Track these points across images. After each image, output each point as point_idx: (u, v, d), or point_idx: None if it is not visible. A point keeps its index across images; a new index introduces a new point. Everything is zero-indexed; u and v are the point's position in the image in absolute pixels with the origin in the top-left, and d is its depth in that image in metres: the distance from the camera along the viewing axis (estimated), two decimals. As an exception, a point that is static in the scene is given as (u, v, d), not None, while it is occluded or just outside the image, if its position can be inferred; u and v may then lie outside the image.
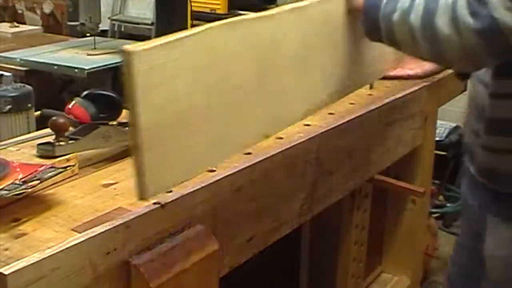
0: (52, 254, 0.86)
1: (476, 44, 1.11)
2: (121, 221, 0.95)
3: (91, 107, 1.33)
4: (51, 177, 1.05)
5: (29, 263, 0.84)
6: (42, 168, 1.07)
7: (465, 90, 1.96)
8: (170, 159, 0.97)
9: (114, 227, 0.94)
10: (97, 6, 2.60)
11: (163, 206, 1.01)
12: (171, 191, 1.06)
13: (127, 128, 1.18)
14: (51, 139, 1.24)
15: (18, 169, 1.08)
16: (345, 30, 1.38)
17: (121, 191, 1.08)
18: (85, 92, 1.38)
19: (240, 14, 3.99)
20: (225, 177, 1.13)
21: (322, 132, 1.38)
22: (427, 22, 1.16)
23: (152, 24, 4.18)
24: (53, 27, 4.45)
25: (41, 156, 1.21)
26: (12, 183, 1.01)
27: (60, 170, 1.08)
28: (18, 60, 2.52)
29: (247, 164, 1.18)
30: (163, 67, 0.94)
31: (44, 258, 0.85)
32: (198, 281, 1.04)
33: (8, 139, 1.33)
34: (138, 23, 4.50)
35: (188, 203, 1.06)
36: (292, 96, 1.25)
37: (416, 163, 1.93)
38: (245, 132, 1.13)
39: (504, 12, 1.07)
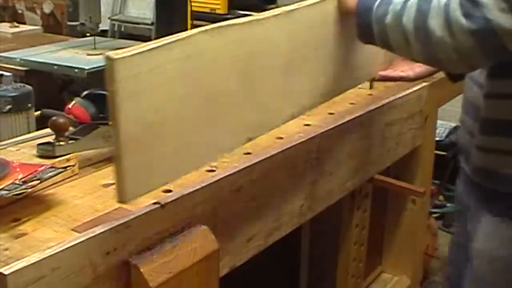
0: (52, 254, 0.86)
1: (469, 46, 1.11)
2: (121, 221, 0.95)
3: (91, 107, 1.33)
4: (51, 177, 1.05)
5: (29, 263, 0.84)
6: (42, 168, 1.07)
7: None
8: (151, 164, 0.98)
9: (114, 227, 0.94)
10: (97, 6, 2.60)
11: (163, 206, 1.01)
12: (171, 191, 1.06)
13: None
14: (51, 139, 1.24)
15: (18, 169, 1.08)
16: (334, 34, 1.38)
17: (121, 191, 1.08)
18: (85, 92, 1.38)
19: (240, 14, 4.01)
20: (225, 177, 1.13)
21: (322, 132, 1.38)
22: (420, 24, 1.16)
23: (152, 24, 4.19)
24: (53, 27, 4.45)
25: (41, 156, 1.21)
26: (12, 183, 1.01)
27: (60, 170, 1.08)
28: (18, 60, 2.51)
29: (247, 164, 1.18)
30: (146, 74, 0.94)
31: (44, 258, 0.85)
32: (198, 281, 1.04)
33: (8, 139, 1.33)
34: (138, 23, 4.50)
35: (188, 203, 1.06)
36: (277, 99, 1.26)
37: (416, 163, 1.93)
38: (227, 136, 1.14)
39: (498, 13, 1.07)
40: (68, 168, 1.11)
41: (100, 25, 2.68)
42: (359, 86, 1.64)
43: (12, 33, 3.14)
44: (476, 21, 1.09)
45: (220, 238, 1.10)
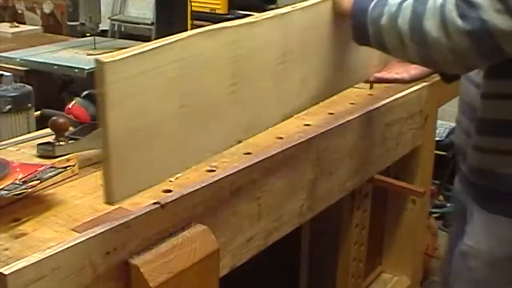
0: (52, 254, 0.86)
1: (465, 47, 1.11)
2: (121, 221, 0.95)
3: (91, 107, 1.33)
4: (51, 177, 1.05)
5: (29, 263, 0.84)
6: (42, 168, 1.07)
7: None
8: (139, 166, 0.98)
9: (114, 227, 0.94)
10: (97, 6, 2.60)
11: (163, 206, 1.01)
12: (171, 191, 1.06)
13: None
14: (51, 139, 1.24)
15: (18, 169, 1.08)
16: (329, 36, 1.39)
17: (121, 191, 1.08)
18: (85, 92, 1.38)
19: (240, 14, 4.01)
20: (225, 177, 1.13)
21: (322, 132, 1.38)
22: (415, 25, 1.16)
23: (152, 24, 4.19)
24: (53, 27, 4.45)
25: (41, 156, 1.21)
26: (12, 183, 1.01)
27: (60, 170, 1.08)
28: (18, 60, 2.51)
29: (247, 164, 1.18)
30: (135, 78, 0.94)
31: (44, 258, 0.85)
32: (198, 281, 1.04)
33: (8, 139, 1.33)
34: (138, 23, 4.50)
35: (188, 203, 1.06)
36: (268, 101, 1.26)
37: (416, 163, 1.93)
38: (216, 138, 1.14)
39: (494, 14, 1.07)
40: (68, 168, 1.11)
41: (100, 25, 2.68)
42: (359, 86, 1.65)
43: (12, 33, 3.14)
44: (472, 22, 1.09)
45: (220, 238, 1.10)
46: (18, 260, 0.84)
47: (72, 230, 0.95)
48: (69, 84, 2.55)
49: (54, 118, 1.25)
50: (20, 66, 2.49)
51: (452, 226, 1.62)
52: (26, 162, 1.16)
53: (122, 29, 4.59)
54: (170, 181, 1.10)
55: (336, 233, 1.73)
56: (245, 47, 1.16)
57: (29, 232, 0.94)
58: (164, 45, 0.99)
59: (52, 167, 1.08)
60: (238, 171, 1.16)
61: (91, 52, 2.57)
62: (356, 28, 1.30)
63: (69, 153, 1.18)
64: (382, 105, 1.60)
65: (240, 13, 3.81)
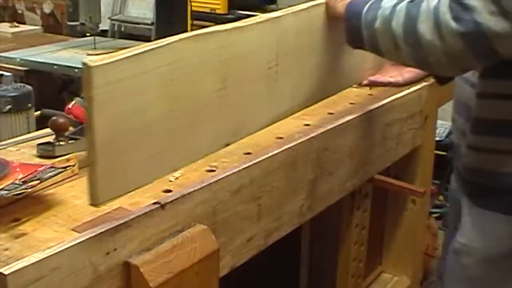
0: (52, 254, 0.86)
1: (459, 49, 1.11)
2: (121, 221, 0.95)
3: (91, 107, 1.33)
4: (51, 177, 1.05)
5: (29, 263, 0.84)
6: (42, 168, 1.07)
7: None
8: (124, 169, 0.99)
9: (114, 227, 0.94)
10: (97, 6, 2.60)
11: (163, 206, 1.01)
12: (171, 191, 1.06)
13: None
14: (51, 139, 1.24)
15: (18, 169, 1.07)
16: (322, 40, 1.39)
17: (121, 191, 1.08)
18: (85, 92, 1.38)
19: (240, 14, 4.01)
20: (225, 177, 1.13)
21: (322, 132, 1.38)
22: (409, 28, 1.17)
23: (152, 24, 4.19)
24: (53, 27, 4.45)
25: (41, 156, 1.21)
26: (12, 183, 1.01)
27: (60, 170, 1.08)
28: (18, 60, 2.52)
29: (247, 164, 1.18)
30: (123, 82, 0.95)
31: (44, 258, 0.85)
32: (198, 281, 1.04)
33: (8, 139, 1.32)
34: (138, 23, 4.50)
35: (188, 203, 1.06)
36: (258, 105, 1.27)
37: (416, 163, 1.93)
38: (203, 141, 1.15)
39: (488, 16, 1.08)
40: (68, 168, 1.11)
41: (100, 25, 2.68)
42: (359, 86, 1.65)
43: (12, 33, 3.14)
44: (466, 24, 1.09)
45: (220, 238, 1.10)
46: (18, 260, 0.84)
47: (72, 230, 0.95)
48: (69, 84, 2.55)
49: (54, 118, 1.25)
50: (20, 66, 2.49)
51: (448, 224, 1.63)
52: (26, 162, 1.16)
53: (122, 29, 4.59)
54: (170, 181, 1.10)
55: (336, 233, 1.73)
56: (235, 51, 1.16)
57: (29, 232, 0.94)
58: (152, 49, 0.99)
59: (52, 167, 1.08)
60: (238, 171, 1.16)
61: (91, 52, 2.57)
62: (350, 32, 1.31)
63: (69, 153, 1.18)
64: (382, 105, 1.60)
65: (240, 13, 3.81)
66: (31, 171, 1.06)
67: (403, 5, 1.20)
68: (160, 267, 0.98)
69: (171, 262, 0.99)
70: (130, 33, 4.45)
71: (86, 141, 0.94)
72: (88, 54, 2.52)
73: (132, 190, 1.02)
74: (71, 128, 1.27)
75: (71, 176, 1.13)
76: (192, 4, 2.61)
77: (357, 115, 1.50)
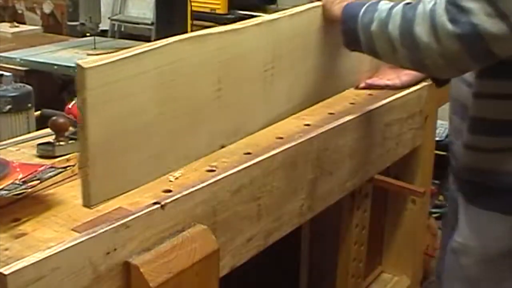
0: (52, 254, 0.86)
1: (456, 50, 1.12)
2: (121, 221, 0.95)
3: (91, 107, 1.33)
4: (51, 177, 1.05)
5: (29, 263, 0.84)
6: (42, 168, 1.07)
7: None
8: (117, 171, 0.99)
9: (114, 227, 0.94)
10: (97, 6, 2.60)
11: (163, 206, 1.01)
12: (171, 191, 1.06)
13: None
14: (51, 139, 1.24)
15: (18, 169, 1.07)
16: (318, 42, 1.40)
17: (121, 191, 1.08)
18: (85, 92, 1.38)
19: (240, 14, 4.01)
20: (225, 177, 1.13)
21: (322, 132, 1.38)
22: (406, 30, 1.17)
23: (152, 24, 4.19)
24: (53, 27, 4.45)
25: (41, 156, 1.21)
26: (12, 183, 1.01)
27: (60, 170, 1.08)
28: (18, 60, 2.52)
29: (247, 164, 1.18)
30: (117, 84, 0.95)
31: (44, 258, 0.85)
32: (198, 281, 1.04)
33: (8, 139, 1.32)
34: (138, 23, 4.50)
35: (188, 203, 1.06)
36: (254, 107, 1.27)
37: (416, 163, 1.93)
38: (199, 143, 1.15)
39: (484, 18, 1.08)
40: (68, 168, 1.11)
41: (100, 25, 2.68)
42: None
43: (12, 33, 3.15)
44: (462, 26, 1.09)
45: (220, 238, 1.10)
46: (18, 260, 0.84)
47: (72, 230, 0.95)
48: (69, 84, 2.55)
49: (54, 118, 1.25)
50: (20, 66, 2.49)
51: (446, 224, 1.63)
52: (26, 162, 1.16)
53: (122, 29, 4.59)
54: (170, 181, 1.11)
55: (336, 233, 1.73)
56: (230, 53, 1.17)
57: (29, 232, 0.94)
58: (147, 51, 1.00)
59: (52, 167, 1.08)
60: (238, 171, 1.16)
61: (91, 52, 2.57)
62: (346, 34, 1.31)
63: (69, 153, 1.18)
64: (382, 105, 1.60)
65: (240, 13, 3.81)
66: (31, 171, 1.06)
67: (399, 7, 1.21)
68: (160, 267, 0.98)
69: (171, 262, 0.99)
70: (130, 33, 4.45)
71: (79, 142, 0.95)
72: (88, 54, 2.53)
73: (128, 191, 1.03)
74: (71, 128, 1.27)
75: (71, 176, 1.13)
76: (192, 4, 2.62)
77: (357, 115, 1.50)
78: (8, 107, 1.52)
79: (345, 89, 1.59)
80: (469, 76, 1.29)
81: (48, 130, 1.29)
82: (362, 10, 1.27)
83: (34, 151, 1.23)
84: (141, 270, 0.95)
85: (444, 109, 2.14)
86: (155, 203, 1.01)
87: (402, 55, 1.21)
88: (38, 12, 4.71)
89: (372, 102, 1.59)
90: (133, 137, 1.01)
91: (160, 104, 1.05)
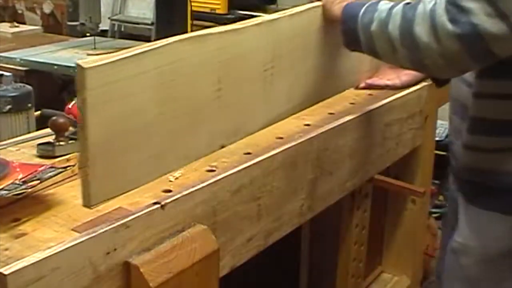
0: (52, 254, 0.86)
1: (456, 51, 1.12)
2: (121, 221, 0.95)
3: (91, 107, 1.33)
4: (51, 177, 1.05)
5: (29, 263, 0.84)
6: (42, 168, 1.07)
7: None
8: (118, 171, 0.99)
9: (114, 227, 0.94)
10: (97, 6, 2.60)
11: (163, 206, 1.01)
12: (171, 191, 1.06)
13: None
14: (51, 139, 1.24)
15: (18, 169, 1.07)
16: (318, 42, 1.40)
17: (121, 191, 1.08)
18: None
19: (240, 14, 4.01)
20: (225, 177, 1.13)
21: (322, 132, 1.38)
22: (406, 30, 1.17)
23: (152, 24, 4.19)
24: (53, 27, 4.45)
25: (41, 156, 1.21)
26: (12, 183, 1.01)
27: (60, 170, 1.08)
28: (18, 60, 2.52)
29: (247, 164, 1.18)
30: (117, 84, 0.95)
31: (44, 258, 0.85)
32: (198, 281, 1.04)
33: (8, 139, 1.32)
34: (138, 23, 4.50)
35: (188, 203, 1.06)
36: (254, 107, 1.27)
37: (416, 163, 1.93)
38: (199, 143, 1.15)
39: (484, 18, 1.08)
40: (68, 168, 1.11)
41: (100, 25, 2.68)
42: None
43: (12, 33, 3.15)
44: (462, 26, 1.09)
45: (220, 238, 1.10)
46: (18, 260, 0.84)
47: (72, 230, 0.95)
48: (69, 84, 2.55)
49: (54, 118, 1.25)
50: (20, 66, 2.49)
51: (446, 224, 1.63)
52: (26, 162, 1.16)
53: (122, 29, 4.59)
54: (170, 181, 1.11)
55: (336, 233, 1.73)
56: (230, 53, 1.17)
57: (29, 232, 0.94)
58: (146, 51, 1.00)
59: (52, 167, 1.08)
60: (238, 171, 1.16)
61: (91, 52, 2.58)
62: (346, 34, 1.31)
63: (69, 153, 1.18)
64: (382, 105, 1.60)
65: (240, 13, 3.81)
66: (31, 171, 1.06)
67: (399, 7, 1.21)
68: (160, 267, 0.98)
69: (171, 262, 0.99)
70: (130, 33, 4.45)
71: (79, 142, 0.95)
72: (88, 54, 2.53)
73: (128, 191, 1.03)
74: (71, 128, 1.27)
75: (71, 176, 1.13)
76: (192, 4, 2.62)
77: (357, 115, 1.50)
78: (8, 107, 1.52)
79: (345, 89, 1.59)
80: (469, 76, 1.29)
81: (48, 130, 1.29)
82: (362, 10, 1.27)
83: (34, 151, 1.23)
84: (141, 270, 0.95)
85: (444, 109, 2.14)
86: (155, 203, 1.01)
87: (402, 55, 1.21)
88: (38, 12, 4.71)
89: (372, 102, 1.59)
90: (133, 137, 1.01)
91: (160, 104, 1.05)
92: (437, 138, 2.08)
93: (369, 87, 1.58)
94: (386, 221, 2.03)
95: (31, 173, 1.04)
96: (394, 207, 2.01)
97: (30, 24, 4.14)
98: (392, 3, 1.24)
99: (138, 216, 0.98)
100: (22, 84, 1.62)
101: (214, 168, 1.16)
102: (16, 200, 1.00)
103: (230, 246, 1.16)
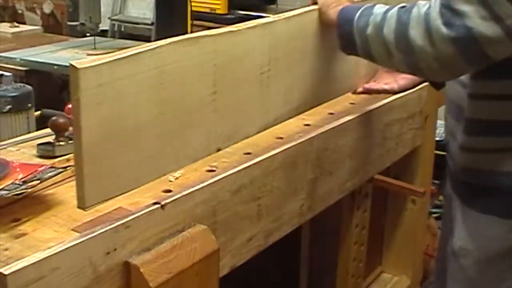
0: (52, 254, 0.86)
1: (450, 54, 1.12)
2: (121, 221, 0.95)
3: (91, 107, 1.33)
4: (51, 177, 1.05)
5: (29, 263, 0.84)
6: (42, 168, 1.07)
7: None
8: (112, 172, 0.99)
9: (114, 227, 0.94)
10: (97, 6, 2.60)
11: (163, 206, 1.01)
12: (171, 191, 1.06)
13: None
14: (51, 139, 1.24)
15: (18, 169, 1.08)
16: (315, 46, 1.39)
17: (121, 191, 1.08)
18: (85, 92, 1.38)
19: (240, 14, 4.01)
20: (225, 177, 1.13)
21: (322, 132, 1.38)
22: (401, 34, 1.17)
23: (152, 24, 4.19)
24: (53, 27, 4.45)
25: (41, 156, 1.21)
26: (12, 183, 1.01)
27: (60, 170, 1.08)
28: (18, 60, 2.52)
29: (247, 164, 1.18)
30: (111, 85, 0.95)
31: (44, 258, 0.85)
32: (198, 281, 1.04)
33: (8, 139, 1.33)
34: (138, 23, 4.50)
35: (188, 203, 1.06)
36: (251, 110, 1.27)
37: (416, 163, 1.93)
38: (194, 146, 1.15)
39: (479, 21, 1.08)
40: (68, 168, 1.11)
41: (100, 25, 2.68)
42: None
43: (12, 33, 3.15)
44: (457, 29, 1.09)
45: (220, 238, 1.10)
46: (18, 260, 0.84)
47: (72, 230, 0.95)
48: (69, 84, 2.55)
49: (54, 118, 1.25)
50: (20, 66, 2.49)
51: (443, 224, 1.63)
52: (26, 162, 1.16)
53: (122, 29, 4.59)
54: (170, 181, 1.11)
55: (336, 233, 1.73)
56: (226, 56, 1.16)
57: (29, 232, 0.94)
58: (141, 52, 0.99)
59: (52, 167, 1.08)
60: (238, 171, 1.16)
61: (91, 52, 2.58)
62: (342, 38, 1.32)
63: (69, 153, 1.18)
64: (382, 105, 1.60)
65: (240, 13, 3.81)
66: (31, 171, 1.06)
67: (394, 11, 1.21)
68: (160, 267, 0.98)
69: (171, 262, 0.99)
70: (130, 33, 4.45)
71: (74, 143, 0.94)
72: (88, 54, 2.53)
73: (124, 193, 1.02)
74: (71, 128, 1.27)
75: (71, 176, 1.13)
76: (192, 4, 2.62)
77: (357, 115, 1.50)
78: (8, 107, 1.53)
79: (343, 93, 1.59)
80: (464, 77, 1.29)
81: (48, 130, 1.29)
82: (358, 14, 1.27)
83: (34, 151, 1.23)
84: (141, 270, 0.95)
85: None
86: (155, 203, 1.01)
87: (398, 59, 1.21)
88: (38, 12, 4.71)
89: (372, 102, 1.59)
90: (129, 138, 1.00)
91: (155, 105, 1.04)
92: (437, 138, 2.08)
93: (366, 91, 1.58)
94: (386, 221, 2.03)
95: (31, 173, 1.04)
96: (394, 207, 2.01)
97: (30, 24, 4.15)
98: (387, 7, 1.24)
99: (138, 216, 0.98)
100: (22, 84, 1.62)
101: (214, 168, 1.16)
102: (16, 200, 1.00)
103: (230, 246, 1.16)
